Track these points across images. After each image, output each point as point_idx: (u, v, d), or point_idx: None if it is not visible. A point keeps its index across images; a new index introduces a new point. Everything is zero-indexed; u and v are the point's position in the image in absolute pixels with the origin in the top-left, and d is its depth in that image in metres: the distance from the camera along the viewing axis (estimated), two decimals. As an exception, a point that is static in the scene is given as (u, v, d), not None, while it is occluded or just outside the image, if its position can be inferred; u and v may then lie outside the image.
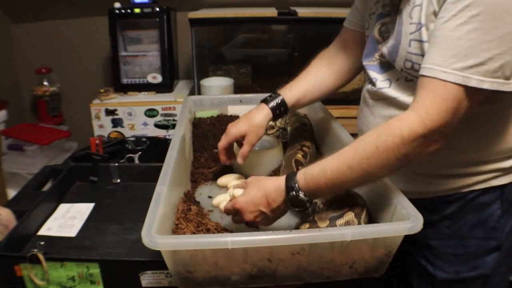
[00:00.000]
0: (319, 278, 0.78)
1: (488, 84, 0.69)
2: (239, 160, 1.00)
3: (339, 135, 1.08)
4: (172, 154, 0.96)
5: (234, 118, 1.44)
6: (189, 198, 0.98)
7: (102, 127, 2.17)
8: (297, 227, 0.81)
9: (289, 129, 1.28)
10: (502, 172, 0.89)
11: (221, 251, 0.70)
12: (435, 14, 0.75)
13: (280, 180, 0.79)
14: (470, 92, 0.70)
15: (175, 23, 2.35)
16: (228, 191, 1.02)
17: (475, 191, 0.90)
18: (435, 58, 0.71)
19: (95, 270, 0.87)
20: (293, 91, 1.06)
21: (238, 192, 0.88)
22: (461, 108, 0.70)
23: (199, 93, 2.16)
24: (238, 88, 2.19)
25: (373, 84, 0.94)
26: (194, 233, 0.82)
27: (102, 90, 2.23)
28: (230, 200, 0.90)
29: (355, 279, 0.79)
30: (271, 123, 1.32)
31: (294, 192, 0.76)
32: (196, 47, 2.21)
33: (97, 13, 2.47)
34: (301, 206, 0.77)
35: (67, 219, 1.06)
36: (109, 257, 0.90)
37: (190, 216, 0.88)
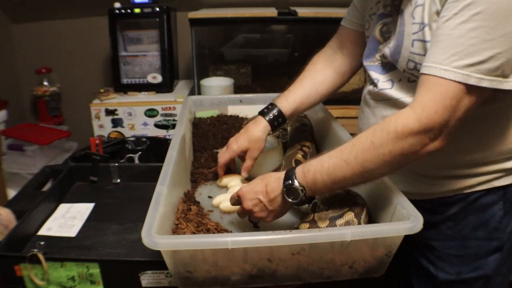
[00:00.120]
0: (319, 278, 0.78)
1: (487, 82, 0.69)
2: (244, 174, 1.04)
3: (339, 135, 1.08)
4: (172, 154, 0.96)
5: (234, 118, 1.44)
6: (189, 198, 0.98)
7: (102, 127, 2.17)
8: (297, 227, 0.81)
9: (289, 129, 1.28)
10: (504, 173, 0.89)
11: (221, 251, 0.70)
12: (438, 13, 0.75)
13: (282, 173, 0.81)
14: (470, 90, 0.70)
15: (175, 23, 2.35)
16: (228, 191, 1.02)
17: (477, 192, 0.89)
18: (436, 56, 0.71)
19: (95, 270, 0.87)
20: (289, 101, 1.06)
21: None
22: (460, 107, 0.70)
23: (199, 93, 2.16)
24: (238, 88, 2.19)
25: (375, 85, 0.94)
26: (194, 233, 0.82)
27: (102, 90, 2.23)
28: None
29: (355, 279, 0.79)
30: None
31: (289, 181, 0.78)
32: (196, 47, 2.21)
33: (97, 13, 2.47)
34: (295, 196, 0.78)
35: (67, 219, 1.06)
36: (109, 257, 0.90)
37: (190, 216, 0.88)
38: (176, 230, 0.83)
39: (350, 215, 0.78)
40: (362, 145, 0.73)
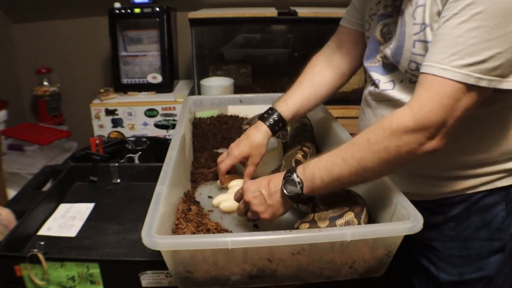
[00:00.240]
0: (319, 278, 0.78)
1: (486, 82, 0.69)
2: (246, 180, 1.03)
3: (339, 135, 1.08)
4: (172, 154, 0.96)
5: (234, 118, 1.44)
6: (189, 198, 0.98)
7: (102, 127, 2.17)
8: (297, 227, 0.81)
9: (289, 129, 1.28)
10: (506, 173, 0.89)
11: (221, 251, 0.70)
12: (439, 14, 0.75)
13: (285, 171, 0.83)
14: (469, 90, 0.69)
15: (175, 23, 2.35)
16: (229, 191, 1.02)
17: (479, 192, 0.89)
18: (435, 55, 0.71)
19: (95, 270, 0.87)
20: (289, 105, 1.05)
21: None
22: (459, 107, 0.70)
23: (199, 93, 2.16)
24: (238, 88, 2.19)
25: (376, 85, 0.94)
26: (194, 233, 0.82)
27: (102, 90, 2.23)
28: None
29: (355, 279, 0.79)
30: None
31: (289, 174, 0.80)
32: (196, 47, 2.21)
33: (97, 13, 2.47)
34: (292, 189, 0.79)
35: (67, 219, 1.06)
36: (109, 257, 0.90)
37: (190, 216, 0.88)
38: (176, 230, 0.83)
39: (350, 215, 0.78)
40: (359, 143, 0.74)
